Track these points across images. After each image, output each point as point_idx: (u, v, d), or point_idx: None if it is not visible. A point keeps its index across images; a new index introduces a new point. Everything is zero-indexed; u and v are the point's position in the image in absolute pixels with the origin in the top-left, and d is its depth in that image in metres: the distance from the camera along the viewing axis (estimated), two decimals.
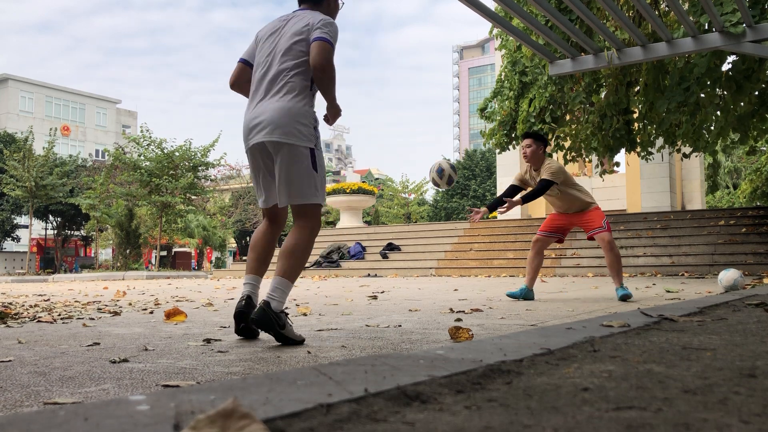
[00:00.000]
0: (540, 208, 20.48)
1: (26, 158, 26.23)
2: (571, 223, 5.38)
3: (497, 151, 14.85)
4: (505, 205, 4.97)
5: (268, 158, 2.87)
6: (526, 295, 5.32)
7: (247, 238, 41.52)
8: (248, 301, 2.82)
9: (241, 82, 3.08)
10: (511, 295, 5.34)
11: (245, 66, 3.06)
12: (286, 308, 2.85)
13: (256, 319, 2.61)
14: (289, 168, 2.76)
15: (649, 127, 11.74)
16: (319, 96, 2.98)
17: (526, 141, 5.27)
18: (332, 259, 15.98)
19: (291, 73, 2.82)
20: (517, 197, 5.07)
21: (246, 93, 3.07)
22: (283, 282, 2.71)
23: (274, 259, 3.81)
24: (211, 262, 40.47)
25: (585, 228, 5.32)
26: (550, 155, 13.63)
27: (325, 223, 36.56)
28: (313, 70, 2.77)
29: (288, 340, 2.65)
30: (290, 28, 2.90)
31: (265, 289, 2.88)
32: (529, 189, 5.23)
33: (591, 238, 5.32)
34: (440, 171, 4.99)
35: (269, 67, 2.89)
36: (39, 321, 4.09)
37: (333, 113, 2.95)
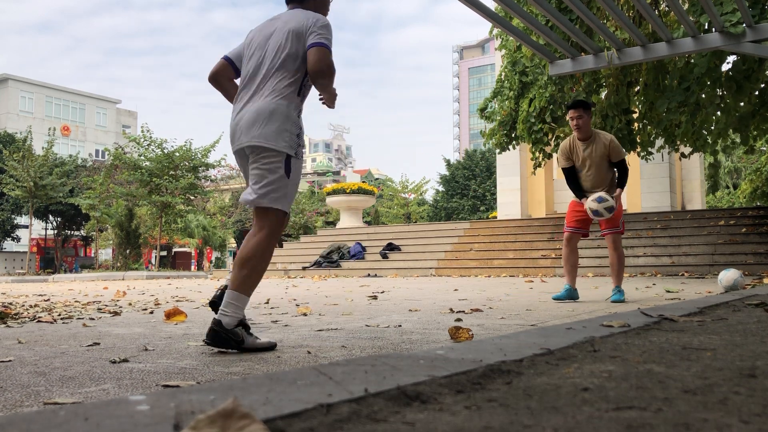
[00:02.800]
0: (540, 207, 20.47)
1: (25, 158, 26.24)
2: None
3: (497, 151, 14.85)
4: (615, 204, 4.86)
5: (247, 161, 2.78)
6: (572, 295, 5.10)
7: None
8: (224, 291, 2.67)
9: (220, 78, 2.96)
10: (558, 298, 5.10)
11: (227, 63, 2.96)
12: (249, 319, 2.71)
13: (210, 341, 2.52)
14: (261, 169, 2.66)
15: (649, 127, 11.74)
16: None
17: (576, 112, 4.94)
18: (332, 259, 15.98)
19: (279, 75, 2.74)
20: (618, 191, 4.95)
21: (224, 90, 2.99)
22: (236, 296, 2.57)
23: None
24: (211, 262, 40.47)
25: (601, 222, 5.12)
26: (550, 156, 13.61)
27: (325, 223, 36.56)
28: (314, 76, 2.69)
29: (254, 351, 2.54)
30: (282, 28, 2.83)
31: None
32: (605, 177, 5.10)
33: (604, 236, 5.20)
34: (596, 213, 4.93)
35: (258, 68, 2.81)
36: (39, 321, 4.09)
37: (329, 98, 2.83)
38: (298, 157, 2.76)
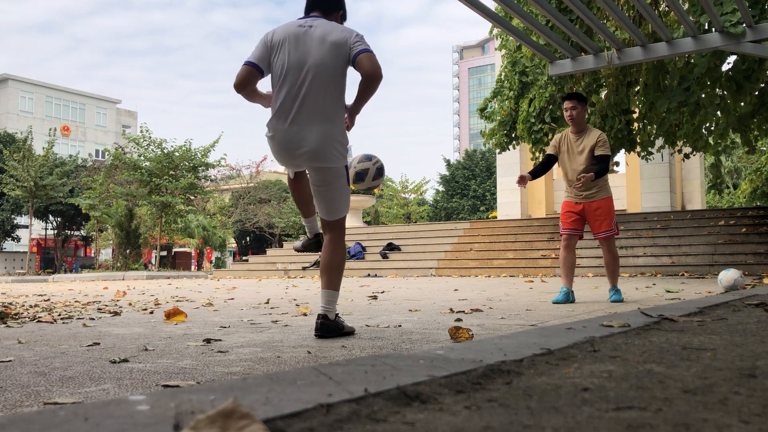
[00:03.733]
0: (540, 207, 20.48)
1: (26, 158, 26.24)
2: (584, 215, 5.10)
3: (497, 151, 14.85)
4: (581, 181, 4.75)
5: (301, 166, 3.10)
6: (570, 298, 4.98)
7: (247, 238, 41.50)
8: (317, 237, 3.33)
9: (249, 86, 2.97)
10: (558, 302, 4.90)
11: (255, 71, 2.95)
12: (337, 309, 3.23)
13: (321, 335, 2.97)
14: (331, 188, 3.01)
15: (649, 127, 11.74)
16: None
17: (571, 103, 4.96)
18: None
19: (332, 92, 2.93)
20: (590, 174, 4.79)
21: (253, 98, 3.03)
22: (332, 293, 3.07)
23: None
24: (211, 262, 40.46)
25: (594, 225, 5.07)
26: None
27: None
28: (368, 80, 2.89)
29: (348, 334, 3.07)
30: (322, 40, 2.89)
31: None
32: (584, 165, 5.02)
33: (599, 239, 5.14)
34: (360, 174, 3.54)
35: (303, 80, 2.88)
36: (39, 321, 4.09)
37: (352, 122, 3.14)
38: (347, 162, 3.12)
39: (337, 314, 3.06)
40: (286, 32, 2.97)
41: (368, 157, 3.53)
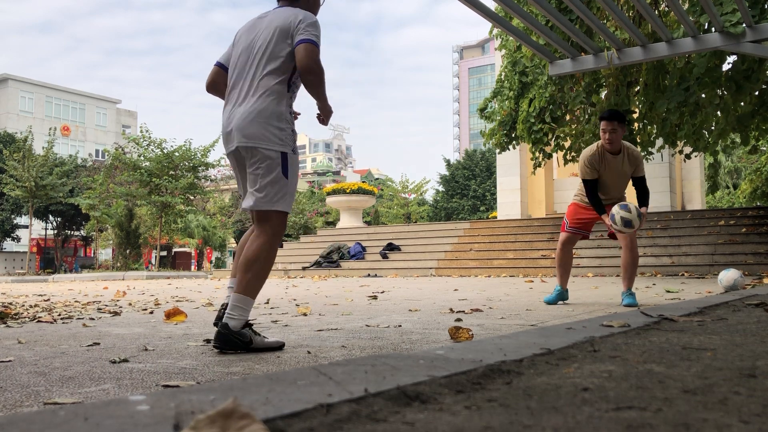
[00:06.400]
0: (540, 207, 20.47)
1: (26, 158, 26.25)
2: (597, 217, 4.96)
3: (497, 151, 14.84)
4: (643, 220, 4.62)
5: (242, 163, 2.80)
6: (563, 296, 4.93)
7: None
8: (226, 309, 2.71)
9: (216, 85, 2.99)
10: (549, 302, 4.88)
11: (220, 69, 2.98)
12: (252, 320, 2.75)
13: (218, 345, 2.53)
14: (258, 172, 2.66)
15: (649, 127, 11.74)
16: (309, 98, 2.90)
17: (611, 125, 4.61)
18: (332, 259, 15.97)
19: (267, 75, 2.73)
20: (644, 209, 4.72)
21: (222, 96, 3.00)
22: (242, 299, 2.58)
23: None
24: (211, 262, 40.47)
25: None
26: (550, 156, 13.60)
27: (325, 223, 36.53)
28: (302, 74, 2.69)
29: (263, 350, 2.59)
30: (269, 26, 2.81)
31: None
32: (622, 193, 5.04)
33: (612, 236, 5.02)
34: (629, 224, 4.51)
35: (245, 68, 2.81)
36: (39, 321, 4.09)
37: (325, 113, 2.89)
38: (295, 153, 2.77)
39: (249, 324, 2.61)
40: (245, 27, 2.95)
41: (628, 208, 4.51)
